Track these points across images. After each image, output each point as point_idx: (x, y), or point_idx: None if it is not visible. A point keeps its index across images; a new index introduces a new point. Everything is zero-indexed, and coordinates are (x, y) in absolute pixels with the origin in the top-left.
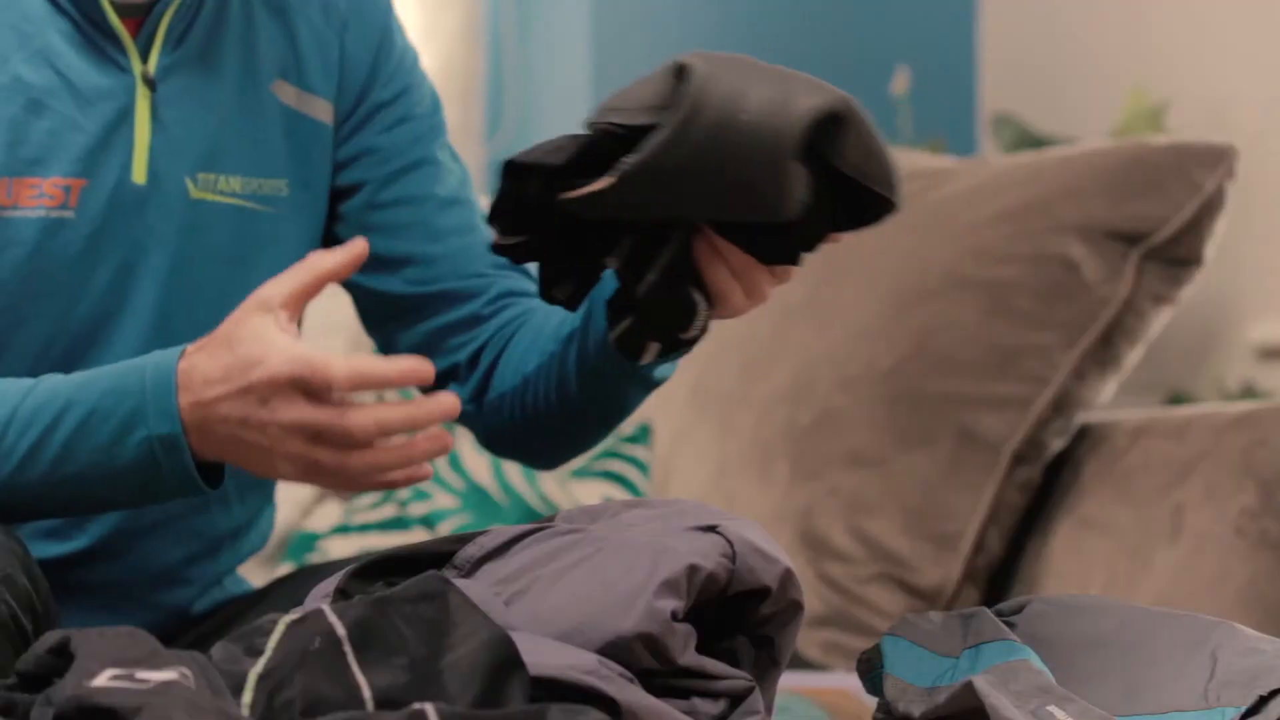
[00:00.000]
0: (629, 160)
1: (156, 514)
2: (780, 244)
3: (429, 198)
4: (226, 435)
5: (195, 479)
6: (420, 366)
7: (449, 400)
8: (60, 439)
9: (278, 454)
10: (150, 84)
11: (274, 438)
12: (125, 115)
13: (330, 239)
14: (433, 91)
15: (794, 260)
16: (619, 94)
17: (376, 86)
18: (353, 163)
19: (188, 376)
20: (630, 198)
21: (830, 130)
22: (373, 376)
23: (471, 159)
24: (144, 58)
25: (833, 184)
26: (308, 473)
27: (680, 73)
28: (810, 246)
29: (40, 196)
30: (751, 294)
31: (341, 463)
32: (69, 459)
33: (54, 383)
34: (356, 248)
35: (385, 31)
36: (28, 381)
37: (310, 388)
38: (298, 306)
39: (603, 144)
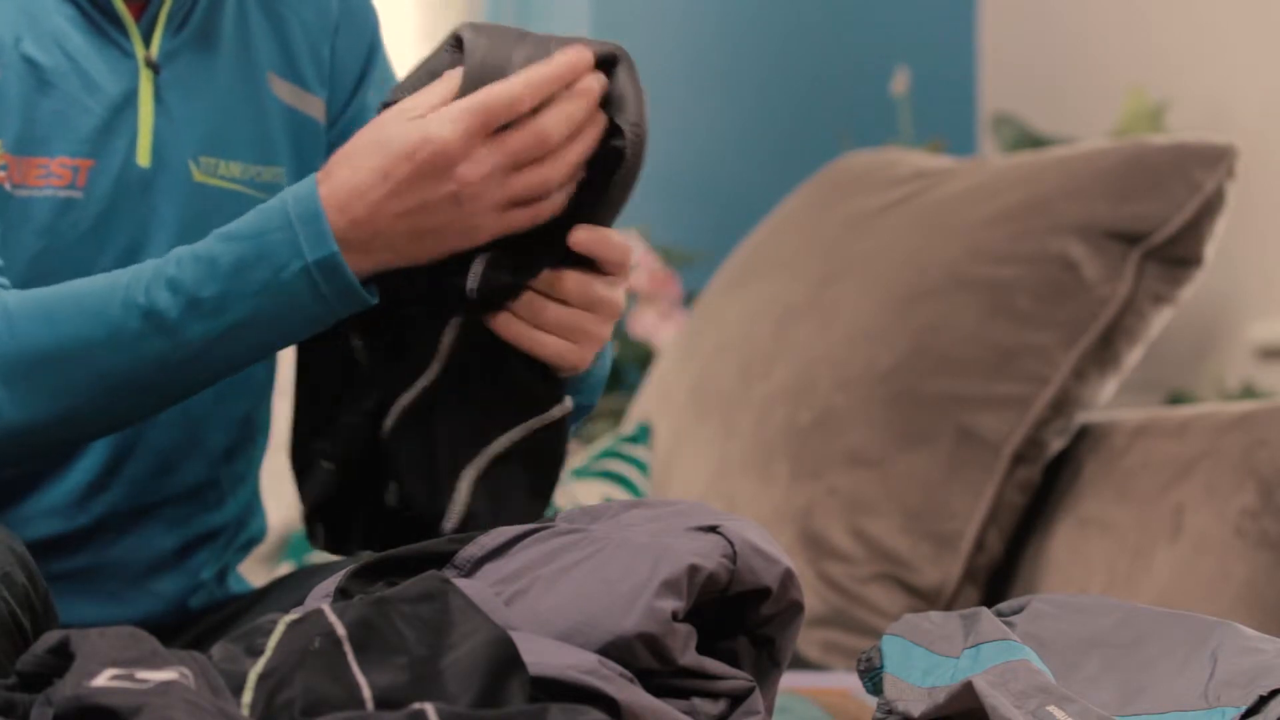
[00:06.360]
0: None
1: (154, 497)
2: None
3: None
4: (402, 233)
5: (361, 293)
6: (576, 57)
7: (583, 55)
8: (214, 292)
9: (474, 212)
10: (153, 67)
11: (469, 198)
12: (129, 98)
13: None
14: None
15: (558, 249)
16: (408, 73)
17: (364, 89)
18: None
19: (335, 198)
20: None
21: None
22: (546, 78)
23: None
24: (146, 41)
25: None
26: (509, 212)
27: (457, 44)
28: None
29: (48, 176)
30: (576, 338)
31: (545, 177)
32: (227, 309)
33: (189, 249)
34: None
35: (374, 41)
36: (158, 260)
37: (493, 122)
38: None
39: None
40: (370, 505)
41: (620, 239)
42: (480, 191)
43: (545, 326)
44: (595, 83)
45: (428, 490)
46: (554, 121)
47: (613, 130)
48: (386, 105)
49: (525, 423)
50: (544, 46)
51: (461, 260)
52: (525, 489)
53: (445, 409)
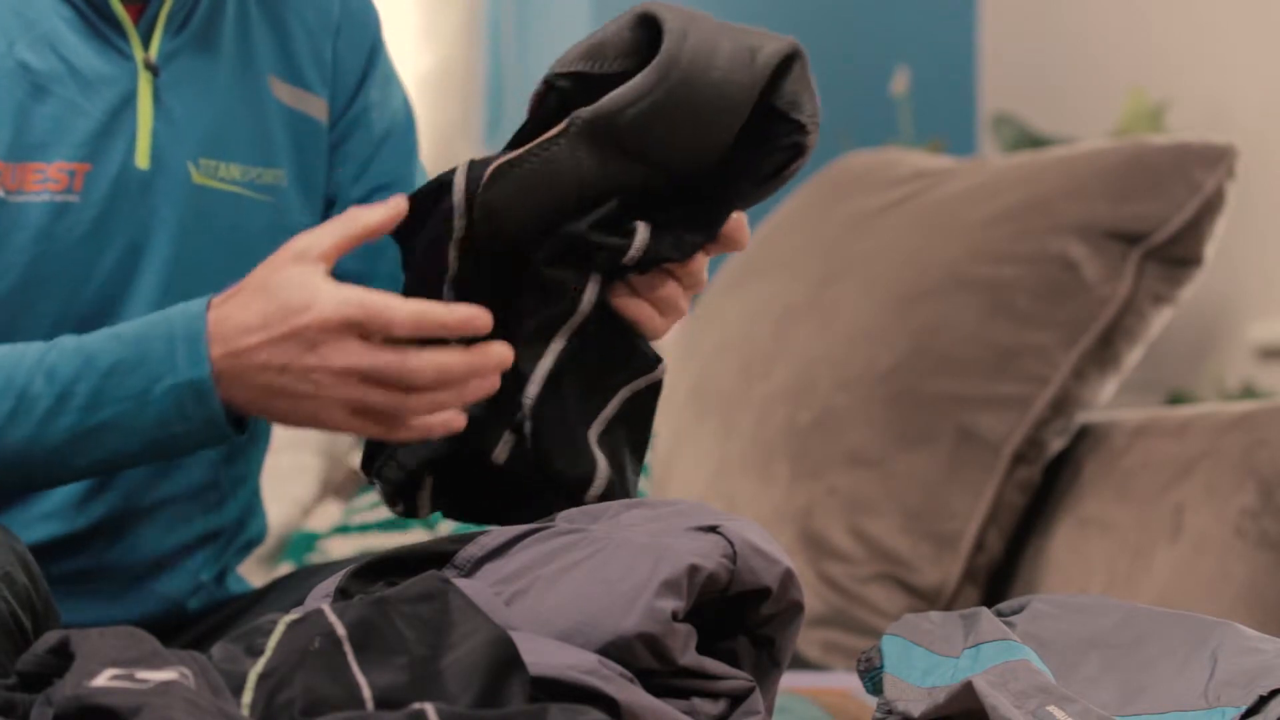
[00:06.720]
0: (588, 108)
1: (153, 499)
2: (701, 214)
3: None
4: (263, 384)
5: (223, 426)
6: (478, 314)
7: (505, 350)
8: (87, 389)
9: (325, 399)
10: (152, 69)
11: (322, 383)
12: (128, 100)
13: None
14: (410, 109)
15: (713, 233)
16: (576, 47)
17: (365, 89)
18: (339, 169)
19: (219, 326)
20: (576, 153)
21: (782, 70)
22: (432, 322)
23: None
24: (145, 43)
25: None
26: (356, 416)
27: (647, 23)
28: (725, 210)
29: (45, 181)
30: (669, 312)
31: (399, 404)
32: (96, 409)
33: (75, 339)
34: (397, 205)
35: (376, 41)
36: (44, 343)
37: (366, 330)
38: (334, 259)
39: (545, 113)
40: (453, 468)
41: (746, 225)
42: (333, 381)
43: (653, 299)
44: (495, 353)
45: (569, 455)
46: (422, 364)
47: (789, 126)
48: (546, 79)
49: (632, 383)
50: (743, 40)
51: (614, 221)
52: (631, 450)
53: (572, 371)
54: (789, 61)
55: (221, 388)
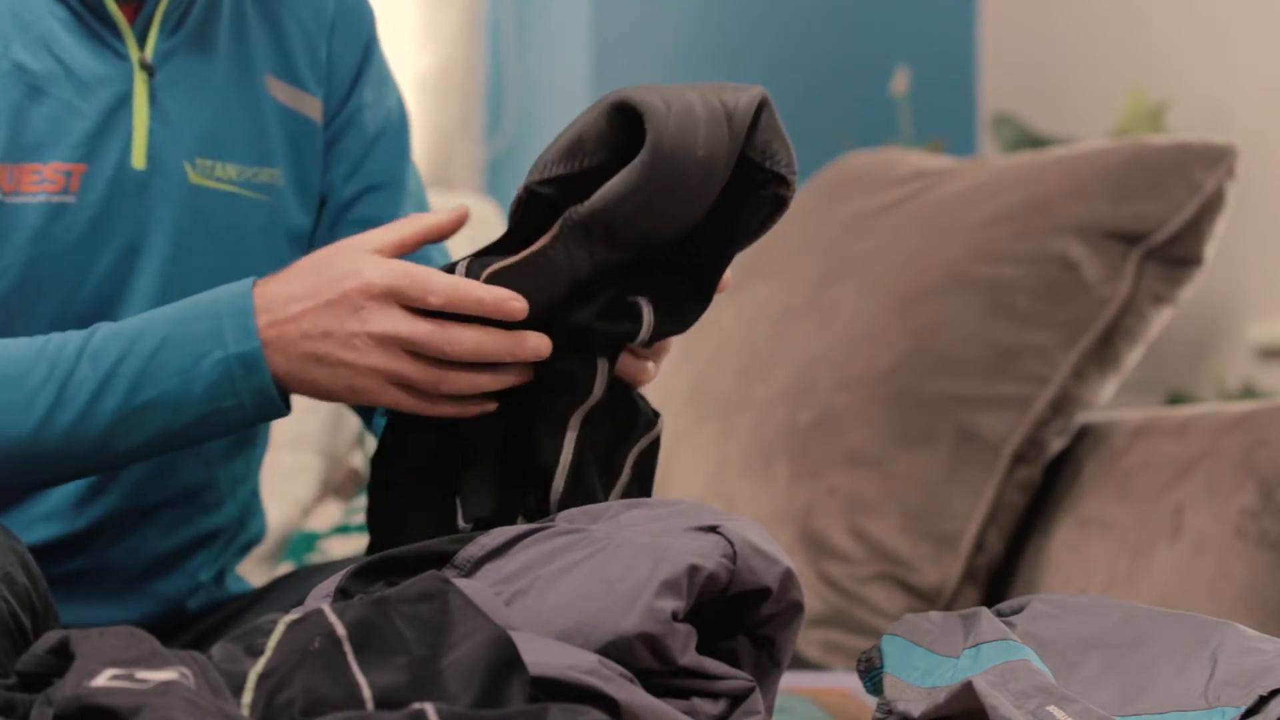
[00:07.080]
0: (579, 209)
1: (153, 499)
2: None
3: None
4: (305, 351)
5: (274, 398)
6: (514, 297)
7: (543, 341)
8: (133, 368)
9: (363, 368)
10: (148, 69)
11: (362, 350)
12: (124, 101)
13: (310, 242)
14: (404, 109)
15: (710, 297)
16: (553, 146)
17: (360, 88)
18: (332, 168)
19: (265, 298)
20: (570, 252)
21: (753, 122)
22: (469, 296)
23: (471, 159)
24: (141, 44)
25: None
26: (392, 386)
27: (623, 109)
28: (719, 268)
29: (42, 182)
30: (662, 358)
31: (436, 378)
32: (142, 388)
33: (116, 324)
34: (460, 211)
35: (370, 40)
36: (84, 331)
37: (407, 299)
38: (392, 255)
39: (530, 217)
40: None
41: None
42: (373, 347)
43: (655, 358)
44: (531, 339)
45: None
46: (458, 337)
47: (764, 176)
48: (528, 187)
49: (638, 443)
50: (714, 103)
51: (614, 304)
52: None
53: (589, 455)
54: (759, 111)
55: (266, 357)
